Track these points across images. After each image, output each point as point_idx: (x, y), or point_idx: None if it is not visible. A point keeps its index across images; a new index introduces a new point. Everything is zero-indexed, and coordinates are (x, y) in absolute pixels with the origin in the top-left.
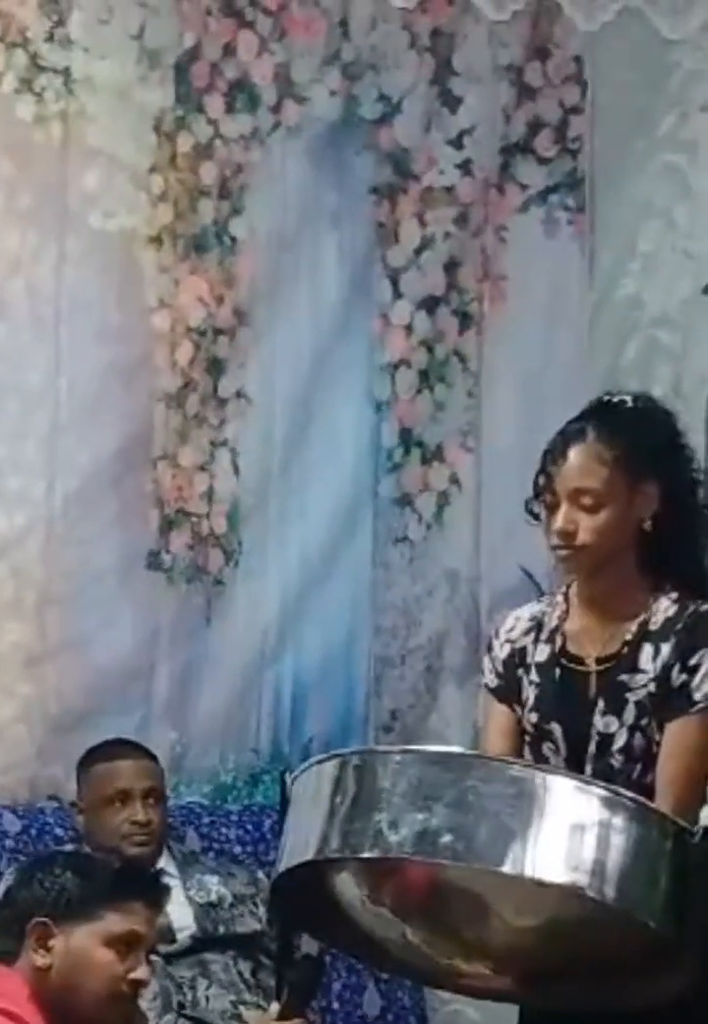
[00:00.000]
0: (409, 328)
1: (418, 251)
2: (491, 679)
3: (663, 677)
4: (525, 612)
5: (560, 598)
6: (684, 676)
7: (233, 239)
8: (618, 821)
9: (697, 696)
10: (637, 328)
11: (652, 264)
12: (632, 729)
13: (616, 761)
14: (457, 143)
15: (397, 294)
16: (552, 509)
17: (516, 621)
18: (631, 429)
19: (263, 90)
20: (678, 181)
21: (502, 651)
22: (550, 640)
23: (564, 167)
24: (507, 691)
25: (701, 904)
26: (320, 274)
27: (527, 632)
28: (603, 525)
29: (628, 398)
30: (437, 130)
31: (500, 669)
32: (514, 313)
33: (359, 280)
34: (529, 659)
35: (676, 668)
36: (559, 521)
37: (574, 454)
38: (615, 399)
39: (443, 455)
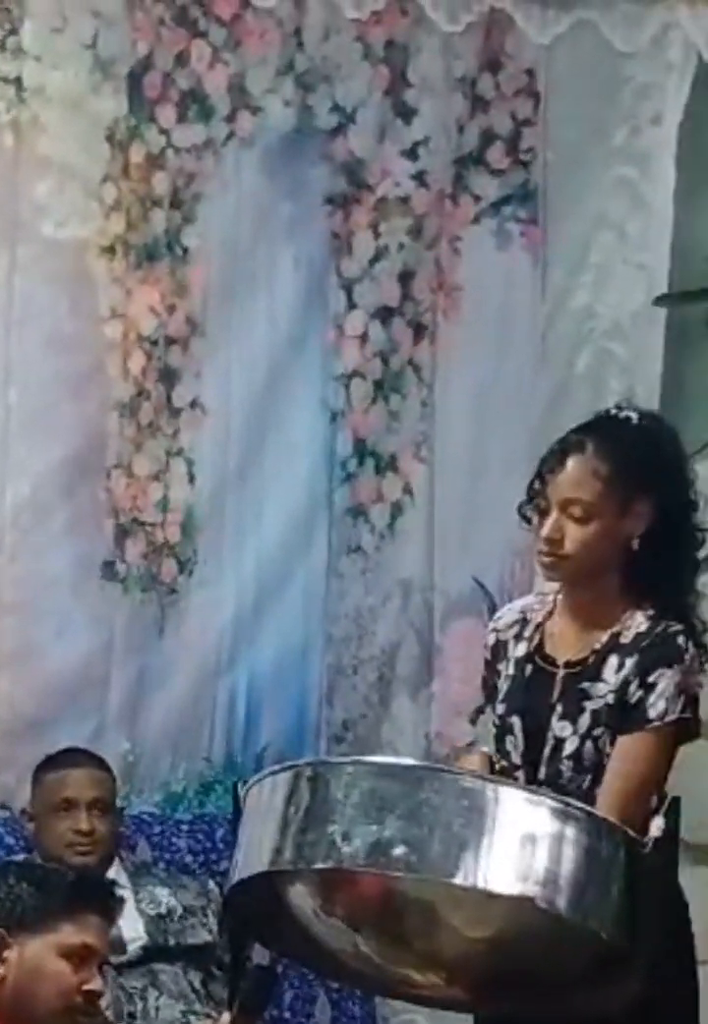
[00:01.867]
0: (363, 338)
1: (372, 262)
2: (483, 668)
3: (621, 690)
4: (518, 604)
5: (550, 597)
6: (641, 692)
7: (185, 249)
8: (569, 832)
9: (651, 713)
10: (589, 339)
11: (604, 276)
12: (584, 737)
13: (565, 767)
14: (411, 154)
15: (351, 305)
16: (543, 515)
17: (507, 612)
18: (631, 446)
19: (216, 100)
20: (630, 194)
21: (488, 639)
22: (530, 637)
23: (517, 179)
24: (487, 683)
25: (652, 914)
26: (275, 284)
27: (512, 625)
28: (590, 538)
29: (634, 414)
30: (391, 141)
31: (487, 657)
32: (468, 324)
33: (313, 290)
34: (509, 653)
35: (634, 684)
36: (546, 529)
37: (571, 464)
38: (621, 414)
39: (397, 465)
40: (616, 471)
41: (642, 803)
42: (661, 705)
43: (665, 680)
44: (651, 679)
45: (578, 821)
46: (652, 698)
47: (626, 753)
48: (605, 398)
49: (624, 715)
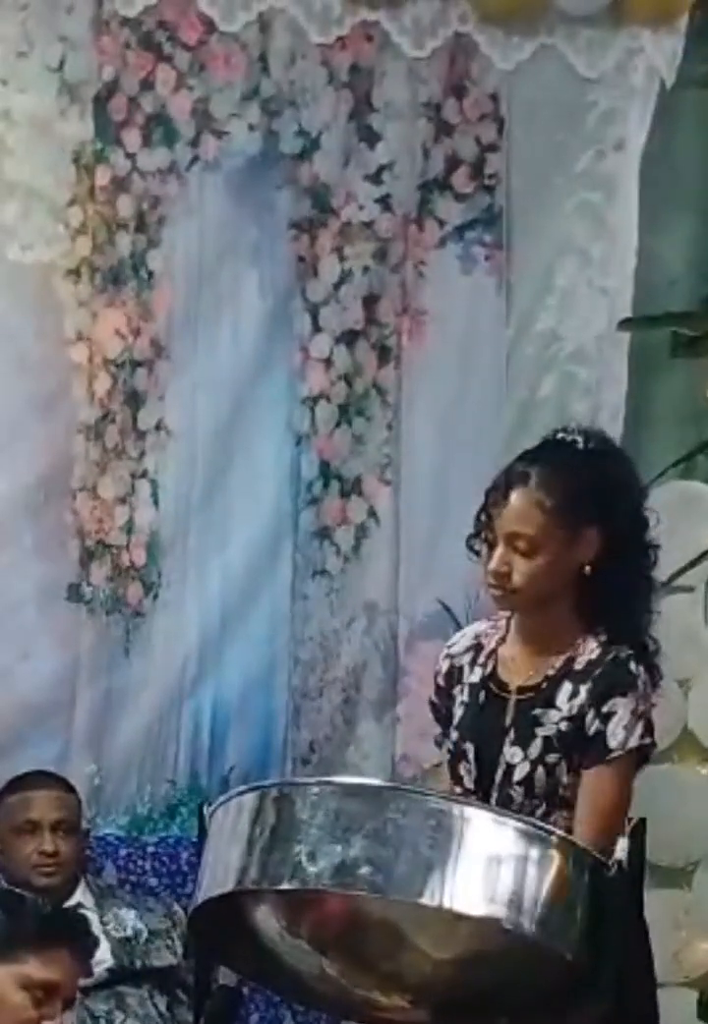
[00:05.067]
0: (328, 362)
1: (337, 285)
2: (433, 693)
3: (577, 719)
4: (472, 630)
5: (503, 622)
6: (598, 723)
7: (150, 272)
8: (534, 853)
9: (612, 744)
10: (553, 363)
11: (568, 300)
12: (535, 763)
13: (515, 793)
14: (376, 178)
15: (316, 328)
16: (491, 547)
17: (461, 637)
18: (575, 474)
19: (181, 124)
20: (594, 218)
21: (443, 665)
22: (484, 663)
23: (481, 203)
24: (441, 710)
25: (616, 936)
26: (240, 308)
27: (467, 651)
28: (537, 570)
29: (579, 438)
30: (356, 165)
31: (440, 683)
32: (432, 347)
33: (279, 314)
34: (464, 678)
35: (590, 713)
36: (493, 562)
37: (514, 498)
38: (567, 438)
39: (362, 488)
40: (560, 503)
41: (616, 833)
42: (620, 734)
43: (621, 708)
44: (606, 709)
45: (544, 842)
46: (610, 728)
47: (593, 788)
48: (568, 422)
49: (584, 748)
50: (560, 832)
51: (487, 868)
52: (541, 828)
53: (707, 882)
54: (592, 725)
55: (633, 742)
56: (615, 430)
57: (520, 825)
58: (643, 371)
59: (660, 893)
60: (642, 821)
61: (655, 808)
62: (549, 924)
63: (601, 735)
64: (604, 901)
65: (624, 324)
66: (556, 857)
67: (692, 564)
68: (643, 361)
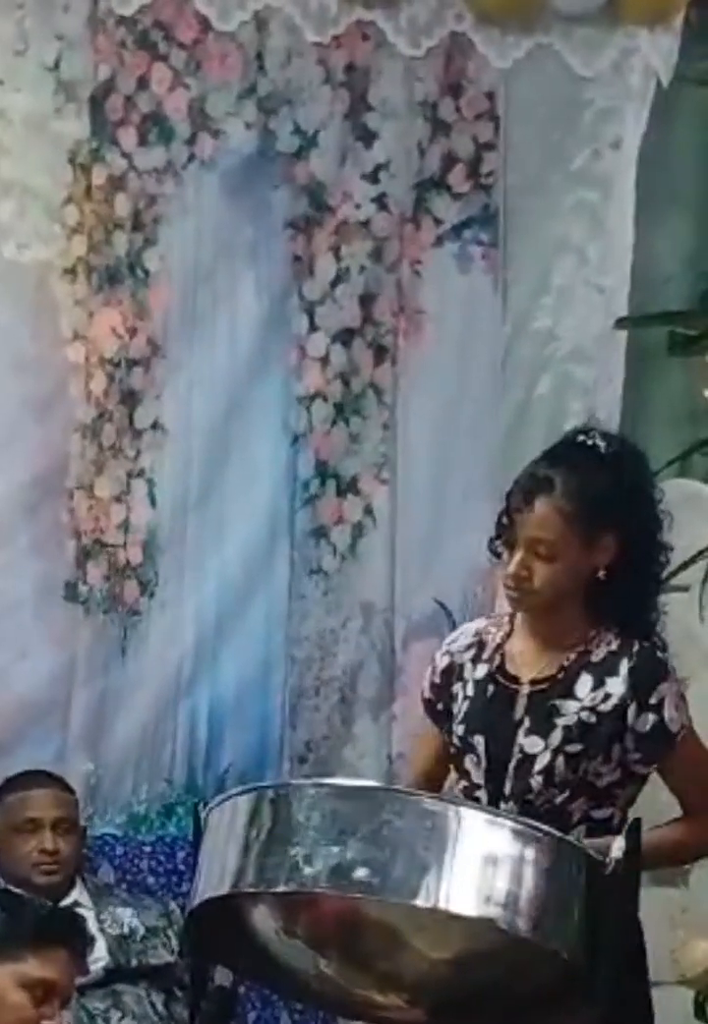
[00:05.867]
0: (325, 361)
1: (334, 284)
2: (426, 689)
3: (614, 714)
4: (471, 627)
5: (506, 618)
6: (651, 716)
7: (146, 271)
8: (530, 853)
9: (674, 728)
10: (550, 362)
11: (565, 299)
12: (556, 752)
13: (535, 782)
14: (372, 177)
15: (313, 327)
16: (511, 549)
17: (461, 634)
18: (596, 482)
19: (177, 123)
20: (591, 217)
21: (441, 662)
22: (489, 658)
23: (477, 202)
24: (437, 705)
25: (612, 935)
26: (236, 307)
27: (468, 648)
28: (556, 575)
29: (602, 443)
30: (352, 164)
31: (436, 680)
32: (429, 346)
33: (275, 313)
34: (466, 675)
35: (633, 708)
36: (513, 565)
37: (539, 505)
38: (589, 442)
39: (358, 487)
40: (581, 509)
41: None
42: (676, 716)
43: (668, 694)
44: (653, 699)
45: (539, 842)
46: (667, 714)
47: (680, 771)
48: (566, 421)
49: (642, 743)
50: (555, 832)
51: (482, 868)
52: (536, 828)
53: (704, 881)
54: (641, 720)
55: (687, 721)
56: (611, 429)
57: (515, 825)
58: (640, 370)
59: (657, 892)
60: (637, 820)
61: (653, 807)
62: (545, 924)
63: (660, 725)
64: (600, 900)
65: (621, 323)
66: (551, 857)
67: (688, 563)
68: (640, 360)
